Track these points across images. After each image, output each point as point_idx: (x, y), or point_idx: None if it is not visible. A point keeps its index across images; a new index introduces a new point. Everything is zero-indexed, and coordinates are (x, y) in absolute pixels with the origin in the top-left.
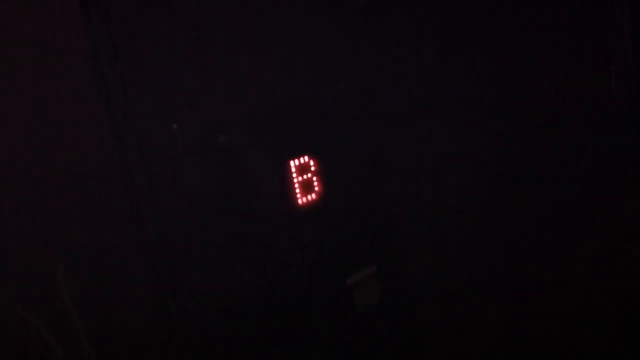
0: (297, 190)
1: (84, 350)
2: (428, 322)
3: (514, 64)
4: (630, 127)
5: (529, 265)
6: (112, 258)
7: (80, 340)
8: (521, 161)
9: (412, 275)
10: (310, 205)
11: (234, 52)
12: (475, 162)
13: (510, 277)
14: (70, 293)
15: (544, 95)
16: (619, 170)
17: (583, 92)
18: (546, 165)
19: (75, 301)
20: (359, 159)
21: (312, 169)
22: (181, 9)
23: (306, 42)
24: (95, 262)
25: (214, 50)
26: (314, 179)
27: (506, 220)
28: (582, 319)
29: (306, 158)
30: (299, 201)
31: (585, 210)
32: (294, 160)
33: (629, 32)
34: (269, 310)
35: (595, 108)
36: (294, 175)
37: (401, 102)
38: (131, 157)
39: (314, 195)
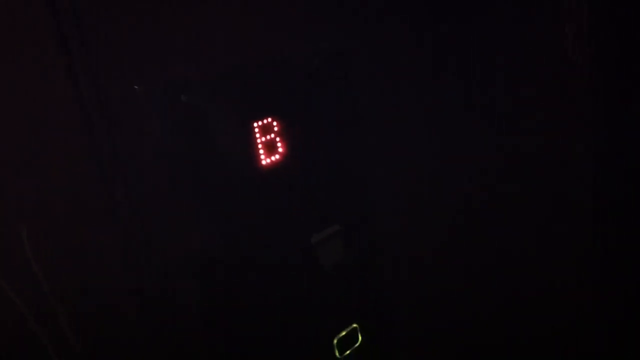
0: (261, 151)
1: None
2: (392, 281)
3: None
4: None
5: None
6: (80, 218)
7: (50, 302)
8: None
9: (377, 235)
10: (274, 165)
11: (197, 11)
12: (446, 129)
13: (475, 244)
14: (36, 253)
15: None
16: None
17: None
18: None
19: (41, 260)
20: (324, 119)
21: (276, 129)
22: None
23: (274, 3)
24: (62, 223)
25: (178, 9)
26: (278, 139)
27: (475, 193)
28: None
29: (269, 119)
30: (263, 162)
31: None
32: (257, 121)
33: None
34: (236, 270)
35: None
36: (258, 135)
37: (371, 64)
38: (94, 117)
39: (277, 156)
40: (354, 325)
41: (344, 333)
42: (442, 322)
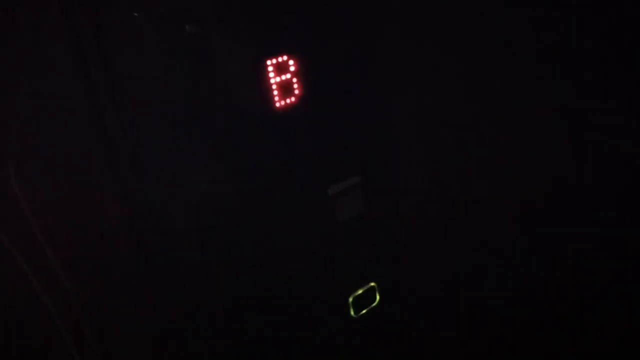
0: (275, 92)
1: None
2: (413, 236)
3: None
4: None
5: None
6: (72, 160)
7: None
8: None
9: (399, 189)
10: (289, 108)
11: None
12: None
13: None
14: (25, 193)
15: None
16: None
17: None
18: None
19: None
20: (347, 58)
21: (292, 69)
22: None
23: None
24: (55, 166)
25: None
26: (294, 80)
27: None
28: None
29: (285, 57)
30: (277, 104)
31: None
32: (271, 59)
33: None
34: (243, 220)
35: None
36: (272, 75)
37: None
38: (89, 50)
39: (293, 99)
40: (372, 283)
41: (360, 291)
42: (463, 285)
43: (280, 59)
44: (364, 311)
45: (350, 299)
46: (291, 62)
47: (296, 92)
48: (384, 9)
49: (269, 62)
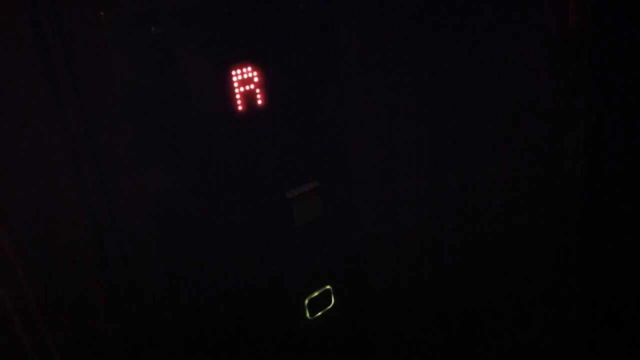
0: (238, 98)
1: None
2: (370, 243)
3: None
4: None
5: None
6: (34, 160)
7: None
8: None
9: (356, 194)
10: (251, 114)
11: None
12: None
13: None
14: None
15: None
16: None
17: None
18: None
19: None
20: (308, 69)
21: (256, 80)
22: None
23: None
24: (16, 165)
25: None
26: (257, 90)
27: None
28: None
29: (248, 65)
30: (239, 109)
31: None
32: (235, 66)
33: None
34: (203, 219)
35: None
36: (235, 81)
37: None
38: (52, 49)
39: (255, 105)
40: (328, 286)
41: (316, 294)
42: (418, 289)
43: (244, 67)
44: (319, 313)
45: (306, 302)
46: (254, 70)
47: (258, 98)
48: (342, 23)
49: (232, 69)
